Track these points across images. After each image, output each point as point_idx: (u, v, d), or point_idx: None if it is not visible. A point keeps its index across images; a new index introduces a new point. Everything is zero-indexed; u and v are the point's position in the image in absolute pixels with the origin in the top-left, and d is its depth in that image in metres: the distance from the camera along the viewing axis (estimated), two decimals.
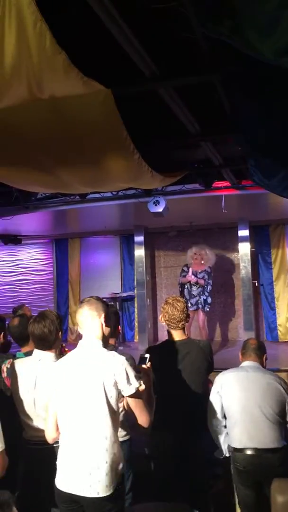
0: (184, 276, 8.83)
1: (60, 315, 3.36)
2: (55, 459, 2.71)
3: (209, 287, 8.70)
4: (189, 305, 8.39)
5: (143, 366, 2.75)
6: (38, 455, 2.95)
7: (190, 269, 8.76)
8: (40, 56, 2.32)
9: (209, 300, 8.72)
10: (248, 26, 1.81)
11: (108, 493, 2.47)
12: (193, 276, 8.65)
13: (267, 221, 9.82)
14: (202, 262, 8.82)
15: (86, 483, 2.46)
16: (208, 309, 8.69)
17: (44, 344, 3.13)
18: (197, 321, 8.62)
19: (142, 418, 2.61)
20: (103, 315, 2.69)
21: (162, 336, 9.89)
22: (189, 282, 8.66)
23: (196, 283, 8.62)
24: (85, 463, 2.49)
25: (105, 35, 2.57)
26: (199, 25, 2.11)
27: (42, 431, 2.85)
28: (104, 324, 2.69)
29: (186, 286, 8.75)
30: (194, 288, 8.64)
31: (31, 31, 2.17)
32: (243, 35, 1.85)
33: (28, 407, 3.06)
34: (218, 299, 10.30)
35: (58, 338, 3.18)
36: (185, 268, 8.92)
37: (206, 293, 8.66)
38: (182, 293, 8.74)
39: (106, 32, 2.53)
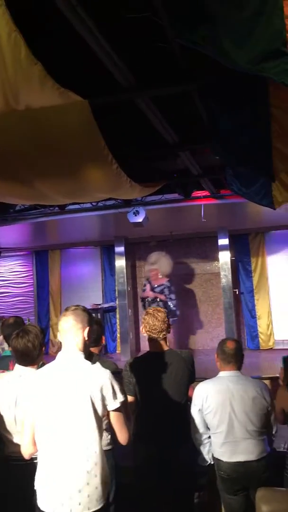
0: (144, 290, 8.85)
1: (43, 330, 3.31)
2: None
3: (173, 302, 8.50)
4: None
5: None
6: (20, 471, 2.89)
7: (148, 285, 8.75)
8: (15, 67, 2.31)
9: (178, 312, 8.54)
10: (223, 34, 1.82)
11: (99, 507, 2.42)
12: (151, 292, 8.64)
13: (246, 230, 9.91)
14: (160, 276, 8.77)
15: (75, 500, 2.38)
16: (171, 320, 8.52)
17: (26, 360, 3.07)
18: None
19: (122, 434, 2.59)
20: (87, 329, 2.64)
21: (144, 347, 9.84)
22: (148, 297, 8.64)
23: (155, 299, 8.54)
24: (73, 481, 2.40)
25: (81, 46, 2.57)
26: (173, 34, 2.13)
27: None
28: (86, 338, 2.65)
29: (146, 300, 8.72)
30: (152, 301, 8.58)
31: (5, 42, 2.16)
32: (217, 43, 1.86)
33: (9, 423, 3.00)
34: (199, 308, 10.32)
35: (42, 353, 3.14)
36: (145, 282, 8.94)
37: (173, 308, 8.47)
38: (144, 307, 8.68)
39: (82, 42, 2.53)
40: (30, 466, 2.74)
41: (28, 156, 3.55)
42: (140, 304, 10.48)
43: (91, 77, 3.04)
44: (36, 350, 3.06)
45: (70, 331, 2.61)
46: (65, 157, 3.59)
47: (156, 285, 8.66)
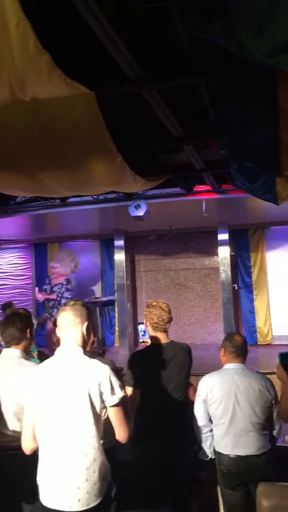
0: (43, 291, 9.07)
1: (21, 311, 3.44)
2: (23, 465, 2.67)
3: (63, 300, 8.63)
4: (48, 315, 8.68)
5: None
6: (7, 462, 2.91)
7: (37, 289, 9.07)
8: (23, 56, 2.28)
9: None
10: (240, 25, 1.80)
11: (97, 502, 2.42)
12: (40, 295, 8.92)
13: (246, 225, 9.92)
14: (60, 275, 9.03)
15: (75, 497, 2.38)
16: None
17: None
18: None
19: (121, 431, 2.54)
20: (86, 324, 2.63)
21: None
22: (40, 301, 8.97)
23: (47, 300, 8.85)
24: (72, 476, 2.40)
25: (89, 37, 2.54)
26: (188, 25, 2.10)
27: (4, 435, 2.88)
28: (85, 333, 2.64)
29: (47, 306, 8.97)
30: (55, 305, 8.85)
31: (14, 31, 2.13)
32: (233, 35, 1.84)
33: None
34: (198, 303, 10.34)
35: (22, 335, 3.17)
36: (47, 281, 9.16)
37: (63, 303, 8.70)
38: (50, 313, 8.83)
39: (90, 33, 2.50)
40: (17, 457, 2.75)
41: (32, 148, 3.52)
42: (142, 296, 10.56)
43: (97, 69, 3.00)
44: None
45: (68, 326, 2.60)
46: (70, 149, 3.57)
47: (54, 284, 8.93)
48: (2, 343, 3.70)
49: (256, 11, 1.70)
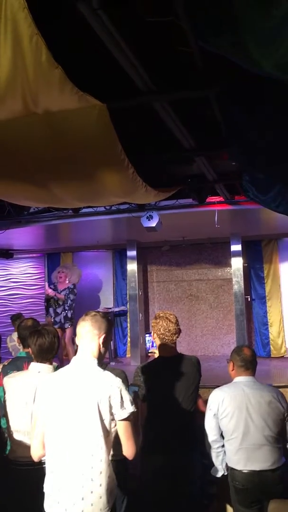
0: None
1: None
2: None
3: (69, 302, 9.04)
4: (54, 322, 8.84)
5: None
6: (28, 476, 2.89)
7: (47, 284, 9.36)
8: (35, 70, 2.31)
9: (69, 314, 8.98)
10: (250, 39, 1.80)
11: None
12: (50, 290, 9.06)
13: (259, 236, 9.85)
14: (67, 281, 9.24)
15: (78, 508, 2.36)
16: (69, 326, 8.88)
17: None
18: (63, 338, 8.89)
19: (128, 447, 2.51)
20: (103, 336, 2.62)
21: None
22: (48, 295, 9.08)
23: (55, 297, 9.02)
24: (78, 487, 2.38)
25: (101, 49, 2.57)
26: (198, 39, 2.10)
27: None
28: (102, 345, 2.63)
29: (51, 304, 9.10)
30: (58, 306, 9.02)
31: (27, 45, 2.16)
32: (243, 48, 1.84)
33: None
34: (210, 314, 10.28)
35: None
36: (52, 286, 9.32)
37: (67, 307, 8.98)
38: (47, 310, 9.22)
39: (101, 46, 2.53)
40: (39, 471, 2.73)
41: (44, 159, 3.55)
42: (154, 307, 10.54)
43: (109, 81, 3.03)
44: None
45: (86, 336, 2.61)
46: (82, 161, 3.59)
47: (61, 289, 9.14)
48: (20, 349, 3.72)
49: (269, 26, 1.68)
